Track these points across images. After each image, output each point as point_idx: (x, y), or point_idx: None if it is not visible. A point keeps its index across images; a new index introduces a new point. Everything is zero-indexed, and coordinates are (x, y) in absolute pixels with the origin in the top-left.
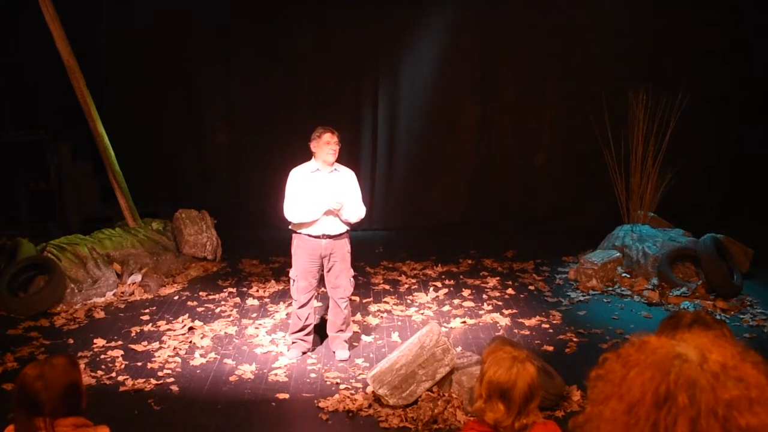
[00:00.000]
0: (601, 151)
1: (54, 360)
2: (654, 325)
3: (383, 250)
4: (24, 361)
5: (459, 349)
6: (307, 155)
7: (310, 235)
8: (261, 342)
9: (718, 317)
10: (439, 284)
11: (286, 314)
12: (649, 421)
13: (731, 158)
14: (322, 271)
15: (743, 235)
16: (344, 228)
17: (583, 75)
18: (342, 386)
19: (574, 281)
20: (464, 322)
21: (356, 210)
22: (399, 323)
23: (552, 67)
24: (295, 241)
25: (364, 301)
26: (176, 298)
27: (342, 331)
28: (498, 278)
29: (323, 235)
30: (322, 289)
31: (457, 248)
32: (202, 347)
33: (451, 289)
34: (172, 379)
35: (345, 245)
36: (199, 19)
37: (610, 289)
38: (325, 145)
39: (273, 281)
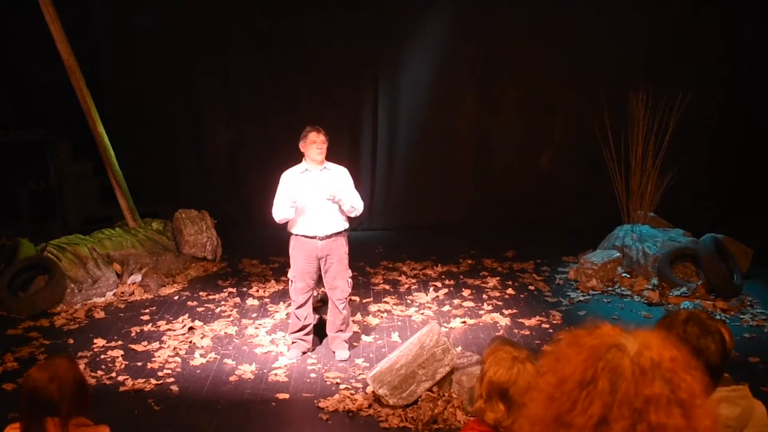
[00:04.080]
0: (601, 151)
1: (57, 361)
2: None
3: (383, 250)
4: (24, 361)
5: (459, 349)
6: None
7: (305, 236)
8: (261, 342)
9: (718, 317)
10: (439, 284)
11: (286, 314)
12: (570, 399)
13: (731, 158)
14: (321, 271)
15: (743, 235)
16: (340, 227)
17: (583, 75)
18: (342, 386)
19: (574, 281)
20: (464, 322)
21: (356, 202)
22: (399, 323)
23: (551, 67)
24: (292, 242)
25: (364, 301)
26: (176, 298)
27: (341, 331)
28: (498, 278)
29: (318, 236)
30: (322, 288)
31: (457, 248)
32: (202, 347)
33: (451, 289)
34: (172, 379)
35: (342, 246)
36: (199, 19)
37: (610, 289)
38: (312, 144)
39: (273, 281)
